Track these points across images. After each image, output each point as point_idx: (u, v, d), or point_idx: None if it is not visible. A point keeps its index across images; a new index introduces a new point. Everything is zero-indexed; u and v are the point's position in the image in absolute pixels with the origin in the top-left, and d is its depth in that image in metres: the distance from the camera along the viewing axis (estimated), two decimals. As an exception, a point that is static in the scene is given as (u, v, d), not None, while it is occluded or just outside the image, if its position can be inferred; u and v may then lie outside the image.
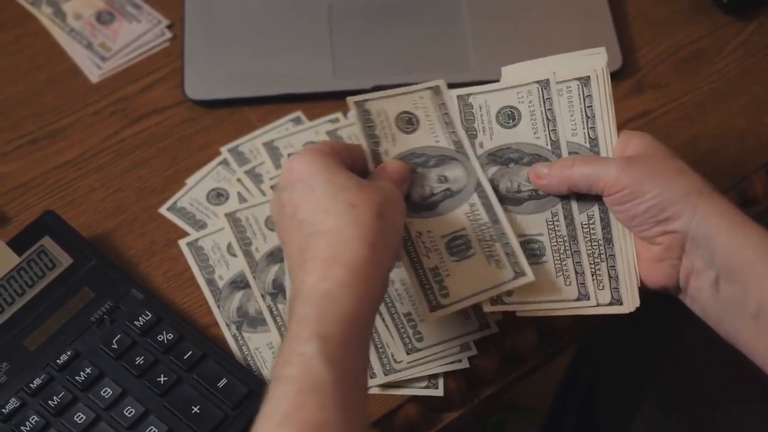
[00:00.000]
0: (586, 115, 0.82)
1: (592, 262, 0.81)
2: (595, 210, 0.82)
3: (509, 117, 0.83)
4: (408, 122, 0.83)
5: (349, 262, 0.69)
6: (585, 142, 0.82)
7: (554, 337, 0.89)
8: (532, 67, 0.84)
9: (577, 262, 0.81)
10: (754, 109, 1.00)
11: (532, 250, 0.81)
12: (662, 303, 0.82)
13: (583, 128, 0.82)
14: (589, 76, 0.83)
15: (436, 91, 0.84)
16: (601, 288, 0.81)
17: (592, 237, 0.81)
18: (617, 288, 0.80)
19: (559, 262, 0.81)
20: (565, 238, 0.81)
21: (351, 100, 0.83)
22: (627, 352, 0.97)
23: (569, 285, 0.81)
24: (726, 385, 0.90)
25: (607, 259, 0.81)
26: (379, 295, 0.72)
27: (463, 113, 0.84)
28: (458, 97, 0.84)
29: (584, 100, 0.83)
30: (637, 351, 0.96)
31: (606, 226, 0.81)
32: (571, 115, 0.83)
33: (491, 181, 0.82)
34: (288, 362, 0.66)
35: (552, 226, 0.82)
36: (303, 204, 0.73)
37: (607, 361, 1.00)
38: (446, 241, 0.81)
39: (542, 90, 0.83)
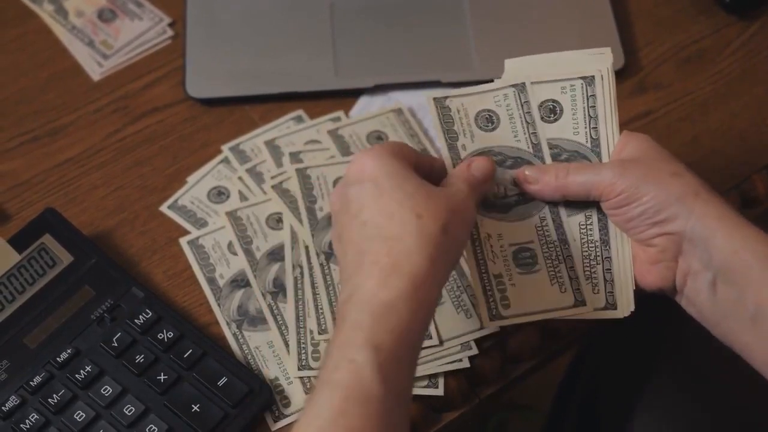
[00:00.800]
0: (589, 115, 0.82)
1: (587, 264, 0.81)
2: (593, 212, 0.81)
3: (488, 120, 0.83)
4: (488, 120, 0.82)
5: (409, 273, 0.68)
6: (586, 142, 0.82)
7: (555, 338, 0.89)
8: (536, 62, 0.83)
9: (570, 267, 0.81)
10: (756, 110, 1.00)
11: (523, 258, 0.81)
12: (663, 303, 0.82)
13: (585, 128, 0.82)
14: (593, 76, 0.82)
15: (520, 89, 0.83)
16: (596, 292, 0.80)
17: (589, 239, 0.81)
18: (612, 292, 0.80)
19: (552, 269, 0.81)
20: (555, 243, 0.81)
21: (430, 97, 0.81)
22: (628, 352, 0.97)
23: (564, 292, 0.81)
24: (728, 385, 0.90)
25: (603, 261, 0.81)
26: (432, 308, 0.71)
27: (441, 116, 0.82)
28: (435, 99, 0.82)
29: (588, 99, 0.82)
30: (639, 351, 0.96)
31: (603, 228, 0.81)
32: (574, 114, 0.82)
33: None
34: (338, 367, 0.66)
35: (542, 231, 0.81)
36: (369, 205, 0.72)
37: (608, 361, 1.00)
38: (513, 251, 0.81)
39: (519, 94, 0.82)
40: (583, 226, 0.81)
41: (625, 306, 0.80)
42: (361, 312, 0.67)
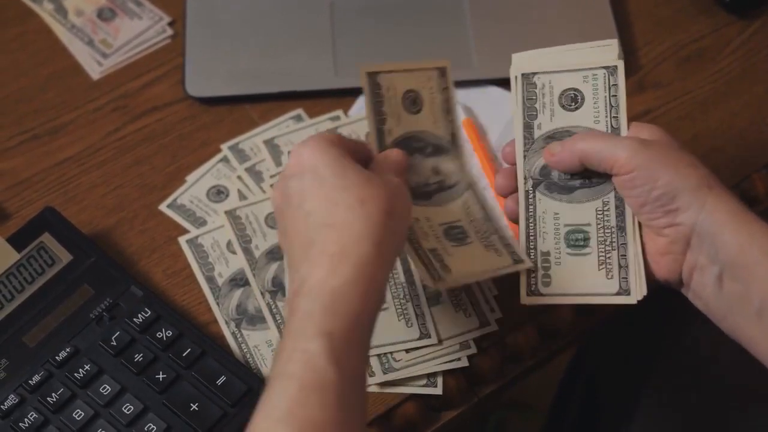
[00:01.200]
0: (610, 104, 0.82)
1: (603, 250, 0.81)
2: (610, 198, 0.81)
3: (572, 99, 0.83)
4: (413, 102, 0.82)
5: (357, 259, 0.69)
6: (607, 130, 0.82)
7: (554, 337, 0.89)
8: (543, 55, 0.84)
9: (621, 255, 0.80)
10: (756, 109, 1.00)
11: (576, 240, 0.81)
12: (662, 301, 0.82)
13: (606, 117, 0.82)
14: (616, 66, 0.82)
15: (442, 72, 0.83)
16: (609, 277, 0.80)
17: (606, 224, 0.81)
18: (626, 278, 0.80)
19: (603, 254, 0.81)
20: (613, 229, 0.81)
21: (363, 69, 0.81)
22: (627, 350, 0.97)
23: (611, 278, 0.80)
24: (727, 383, 0.90)
25: (618, 247, 0.81)
26: (382, 293, 0.71)
27: (525, 92, 0.83)
28: (522, 75, 0.83)
29: (610, 89, 0.82)
30: (638, 349, 0.96)
31: (620, 214, 0.81)
32: (595, 103, 0.82)
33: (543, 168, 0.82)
34: (291, 358, 0.66)
35: (601, 216, 0.81)
36: (312, 195, 0.72)
37: (607, 359, 1.00)
38: (444, 228, 0.81)
39: (609, 76, 0.82)
40: (599, 212, 0.81)
41: (639, 291, 0.80)
42: (311, 301, 0.68)
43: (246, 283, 0.89)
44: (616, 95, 0.82)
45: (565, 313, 0.88)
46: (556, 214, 0.82)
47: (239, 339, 0.87)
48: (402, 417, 0.84)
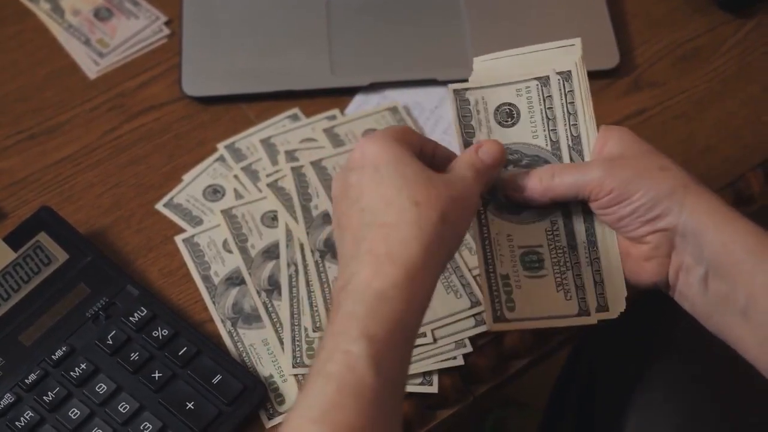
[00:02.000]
0: (547, 116, 0.80)
1: (558, 271, 0.80)
2: (558, 216, 0.80)
3: (508, 115, 0.81)
4: (508, 115, 0.80)
5: (404, 262, 0.68)
6: (546, 145, 0.80)
7: (550, 336, 0.89)
8: (504, 62, 0.81)
9: (576, 275, 0.80)
10: (751, 108, 1.00)
11: (531, 262, 0.80)
12: (657, 299, 0.82)
13: (544, 130, 0.80)
14: (548, 76, 0.80)
15: (544, 82, 0.80)
16: (568, 299, 0.80)
17: (557, 245, 0.80)
18: (603, 294, 0.80)
19: (559, 275, 0.80)
20: (565, 249, 0.80)
21: (451, 87, 0.80)
22: (623, 349, 0.97)
23: (570, 300, 0.80)
24: (721, 380, 0.90)
25: (592, 263, 0.80)
26: (428, 298, 0.70)
27: (459, 109, 0.80)
28: (455, 92, 0.80)
29: (544, 101, 0.80)
30: (633, 347, 0.96)
31: (590, 228, 0.80)
32: (531, 117, 0.80)
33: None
34: (332, 358, 0.65)
35: (552, 236, 0.80)
36: (368, 191, 0.71)
37: (603, 357, 1.00)
38: (521, 253, 0.80)
39: (542, 87, 0.80)
40: (549, 232, 0.80)
41: (618, 306, 0.80)
42: (355, 302, 0.67)
43: (242, 282, 0.89)
44: (551, 107, 0.80)
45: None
46: (509, 236, 0.80)
47: (235, 338, 0.87)
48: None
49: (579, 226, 0.80)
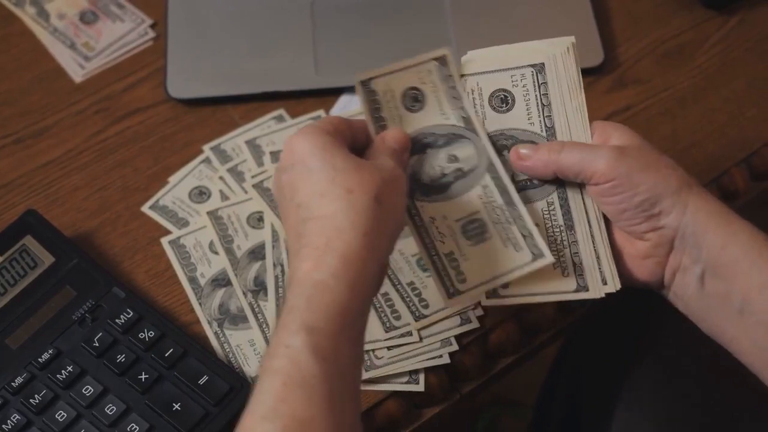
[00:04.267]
0: (542, 103, 0.81)
1: (501, 229, 0.79)
2: (554, 198, 0.80)
3: (502, 101, 0.81)
4: (414, 99, 0.81)
5: (342, 250, 0.68)
6: (541, 131, 0.81)
7: (535, 333, 0.90)
8: (493, 55, 0.82)
9: (574, 253, 0.80)
10: (735, 104, 1.00)
11: (472, 230, 0.79)
12: (643, 296, 0.82)
13: (539, 117, 0.81)
14: (543, 63, 0.81)
15: (442, 62, 0.81)
16: (566, 275, 0.80)
17: (553, 223, 0.80)
18: (582, 275, 0.80)
19: (556, 253, 0.80)
20: (561, 228, 0.80)
21: (357, 78, 0.80)
22: (610, 345, 0.98)
23: (567, 276, 0.80)
24: (706, 377, 0.90)
25: (570, 245, 0.80)
26: (375, 283, 0.71)
27: (368, 101, 0.80)
28: (362, 83, 0.80)
29: (539, 87, 0.81)
30: (620, 345, 0.96)
31: (567, 213, 0.80)
32: (527, 103, 0.81)
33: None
34: (275, 354, 0.65)
35: (548, 215, 0.80)
36: (301, 187, 0.71)
37: (590, 355, 1.00)
38: (461, 225, 0.79)
39: (537, 74, 0.81)
40: (545, 212, 0.81)
41: (600, 286, 0.79)
42: (296, 296, 0.67)
43: (228, 283, 0.89)
44: (546, 93, 0.81)
45: (545, 310, 0.88)
46: (444, 216, 0.80)
47: (221, 339, 0.87)
48: (384, 414, 0.84)
49: (510, 182, 0.80)
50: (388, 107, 0.80)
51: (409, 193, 0.79)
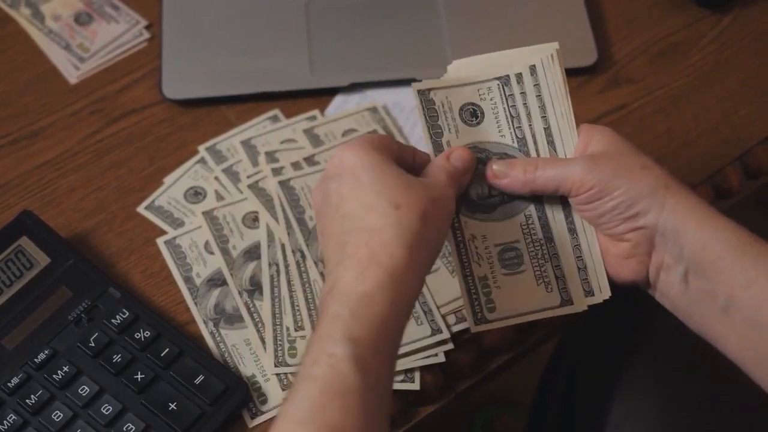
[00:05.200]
0: (511, 114, 0.81)
1: (537, 264, 0.80)
2: (531, 210, 0.81)
3: (472, 114, 0.82)
4: (472, 114, 0.81)
5: (387, 264, 0.69)
6: (513, 142, 0.81)
7: (531, 331, 0.90)
8: (482, 62, 0.82)
9: (556, 266, 0.80)
10: (729, 102, 1.01)
11: (509, 259, 0.81)
12: (636, 294, 0.83)
13: (510, 128, 0.81)
14: (508, 76, 0.81)
15: (504, 82, 0.81)
16: (549, 291, 0.81)
17: (534, 238, 0.81)
18: (587, 279, 0.81)
19: (538, 268, 0.81)
20: (542, 242, 0.81)
21: (415, 87, 0.80)
22: (605, 343, 0.98)
23: (551, 292, 0.81)
24: (700, 375, 0.90)
25: (551, 259, 0.81)
26: (413, 299, 0.71)
27: (426, 110, 0.81)
28: (419, 92, 0.81)
29: (507, 99, 0.81)
30: (616, 342, 0.96)
31: (569, 216, 0.81)
32: (496, 116, 0.81)
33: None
34: (317, 361, 0.66)
35: (527, 230, 0.81)
36: (348, 198, 0.72)
37: (586, 352, 1.00)
38: (499, 251, 0.80)
39: (503, 87, 0.81)
40: (524, 226, 0.81)
41: (604, 291, 0.81)
42: (339, 305, 0.68)
43: (224, 282, 0.89)
44: (514, 105, 0.81)
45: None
46: (484, 236, 0.80)
47: (217, 338, 0.87)
48: (382, 413, 0.84)
49: (556, 217, 0.81)
50: (444, 117, 0.81)
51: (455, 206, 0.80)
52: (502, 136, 0.81)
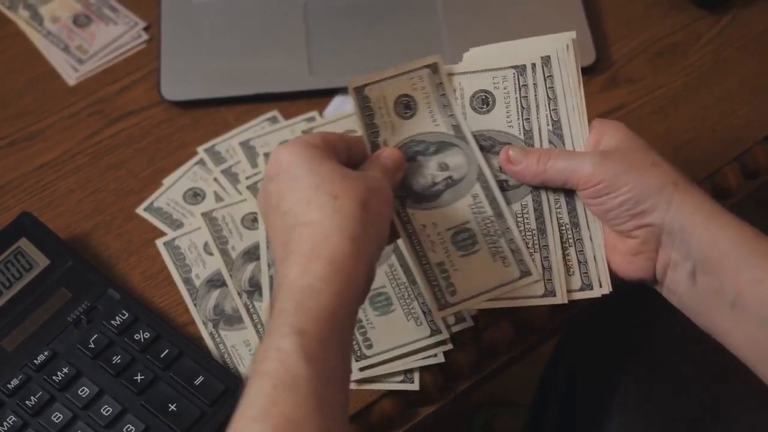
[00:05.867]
0: (522, 105, 0.82)
1: (491, 242, 0.80)
2: (560, 196, 0.81)
3: (483, 102, 0.82)
4: (406, 107, 0.82)
5: (329, 255, 0.69)
6: (519, 133, 0.82)
7: (530, 331, 0.90)
8: (498, 50, 0.83)
9: (544, 257, 0.81)
10: (727, 102, 1.01)
11: (462, 240, 0.80)
12: (636, 294, 0.83)
13: (519, 119, 0.82)
14: (525, 65, 0.82)
15: (434, 69, 0.82)
16: (570, 273, 0.81)
17: (560, 221, 0.81)
18: (587, 273, 0.81)
19: (492, 244, 0.80)
20: (534, 232, 0.81)
21: (351, 85, 0.81)
22: (604, 343, 0.98)
23: (508, 266, 0.80)
24: (700, 373, 0.90)
25: (575, 243, 0.81)
26: (362, 288, 0.72)
27: (362, 107, 0.81)
28: (355, 89, 0.82)
29: (520, 89, 0.82)
30: (614, 342, 0.96)
31: (572, 210, 0.81)
32: (507, 105, 0.82)
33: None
34: (266, 357, 0.66)
35: (476, 210, 0.81)
36: (287, 195, 0.72)
37: (585, 352, 1.01)
38: (451, 235, 0.80)
39: (518, 76, 0.82)
40: (519, 215, 0.81)
41: (604, 284, 0.80)
42: (285, 300, 0.68)
43: (223, 283, 0.90)
44: (526, 96, 0.81)
45: (539, 308, 0.89)
46: (434, 223, 0.81)
47: (217, 339, 0.87)
48: (379, 413, 0.84)
49: (499, 193, 0.81)
50: (380, 114, 0.82)
51: (400, 200, 0.80)
52: (510, 126, 0.82)
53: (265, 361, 0.66)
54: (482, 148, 0.82)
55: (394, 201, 0.77)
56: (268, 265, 0.89)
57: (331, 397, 0.66)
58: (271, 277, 0.88)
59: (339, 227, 0.70)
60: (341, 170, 0.73)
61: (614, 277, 0.81)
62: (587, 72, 1.02)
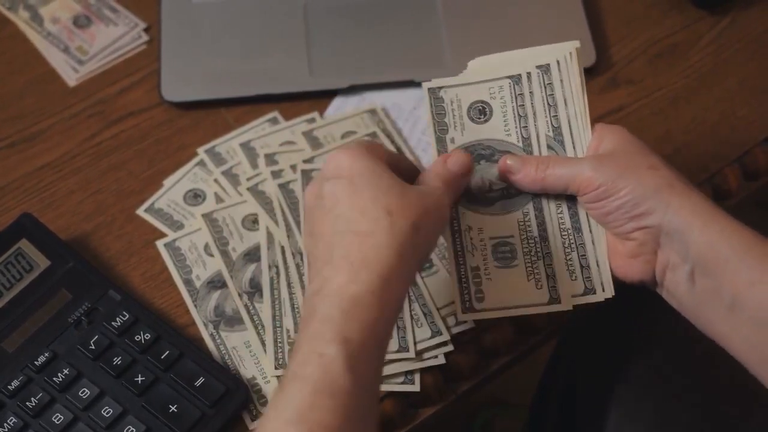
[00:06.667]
0: (519, 114, 0.82)
1: (529, 261, 0.81)
2: (563, 200, 0.82)
3: (480, 112, 0.83)
4: (480, 112, 0.82)
5: (378, 268, 0.69)
6: (518, 142, 0.82)
7: (531, 333, 0.90)
8: (501, 60, 0.83)
9: (548, 264, 0.81)
10: (728, 103, 1.01)
11: (502, 252, 0.81)
12: (635, 295, 0.83)
13: (516, 128, 0.82)
14: (520, 75, 0.82)
15: (516, 80, 0.82)
16: (573, 278, 0.81)
17: (529, 235, 0.81)
18: (590, 277, 0.81)
19: (530, 264, 0.81)
20: (536, 240, 0.81)
21: (425, 86, 0.82)
22: (604, 344, 0.98)
23: (540, 289, 0.81)
24: (700, 375, 0.90)
25: (577, 248, 0.81)
26: (400, 305, 0.72)
27: (434, 107, 0.82)
28: (429, 90, 0.83)
29: (516, 98, 0.82)
30: (614, 342, 0.96)
31: (574, 215, 0.81)
32: (504, 114, 0.82)
33: None
34: (307, 361, 0.66)
35: (523, 226, 0.82)
36: (343, 200, 0.73)
37: (585, 353, 1.00)
38: (494, 244, 0.81)
39: (514, 86, 0.82)
40: (521, 223, 0.82)
41: (606, 288, 0.81)
42: (330, 306, 0.68)
43: (223, 285, 0.90)
44: (523, 105, 0.82)
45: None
46: (480, 228, 0.81)
47: (217, 340, 0.87)
48: (380, 414, 0.84)
49: (553, 217, 0.82)
50: (452, 114, 0.82)
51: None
52: (507, 134, 0.82)
53: (306, 365, 0.66)
54: (482, 157, 0.82)
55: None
56: (269, 267, 0.89)
57: (366, 408, 0.67)
58: (271, 279, 0.88)
59: (390, 243, 0.70)
60: (400, 186, 0.74)
61: (614, 279, 0.81)
62: (587, 73, 1.01)
